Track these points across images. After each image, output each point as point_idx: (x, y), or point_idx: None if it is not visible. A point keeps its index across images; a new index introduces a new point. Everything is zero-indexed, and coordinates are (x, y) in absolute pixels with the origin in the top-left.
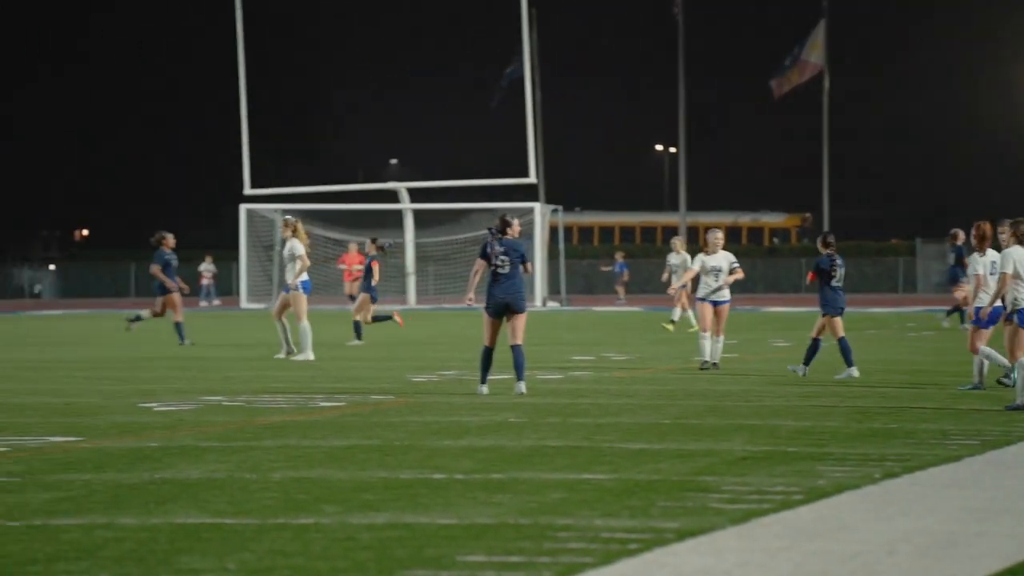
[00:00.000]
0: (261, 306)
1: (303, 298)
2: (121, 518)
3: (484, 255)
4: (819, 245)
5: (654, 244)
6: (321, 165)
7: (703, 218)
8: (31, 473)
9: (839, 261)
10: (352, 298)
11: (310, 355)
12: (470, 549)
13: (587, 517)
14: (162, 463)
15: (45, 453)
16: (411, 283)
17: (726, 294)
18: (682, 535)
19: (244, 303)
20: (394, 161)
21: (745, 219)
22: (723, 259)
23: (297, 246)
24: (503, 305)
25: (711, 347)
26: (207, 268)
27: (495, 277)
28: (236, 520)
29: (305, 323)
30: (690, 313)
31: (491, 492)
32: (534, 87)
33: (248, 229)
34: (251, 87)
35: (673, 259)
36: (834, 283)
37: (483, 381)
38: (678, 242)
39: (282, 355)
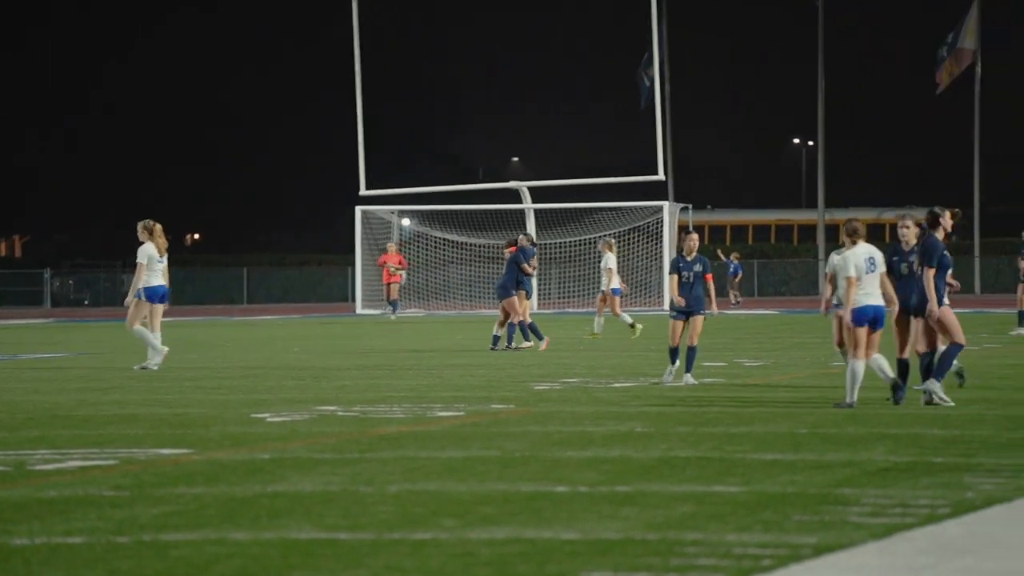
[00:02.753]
0: (376, 312)
1: (143, 306)
2: (233, 533)
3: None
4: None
5: (790, 243)
6: (439, 164)
7: (843, 215)
8: (140, 487)
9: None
10: (391, 303)
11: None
12: (595, 565)
13: (718, 532)
14: (275, 476)
15: (155, 466)
16: (532, 286)
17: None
18: (820, 551)
19: (360, 309)
20: (515, 159)
21: (889, 215)
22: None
23: (140, 251)
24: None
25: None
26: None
27: None
28: (351, 535)
29: (138, 328)
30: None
31: (617, 505)
32: (663, 80)
33: (364, 232)
34: (367, 84)
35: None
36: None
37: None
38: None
39: (154, 362)
